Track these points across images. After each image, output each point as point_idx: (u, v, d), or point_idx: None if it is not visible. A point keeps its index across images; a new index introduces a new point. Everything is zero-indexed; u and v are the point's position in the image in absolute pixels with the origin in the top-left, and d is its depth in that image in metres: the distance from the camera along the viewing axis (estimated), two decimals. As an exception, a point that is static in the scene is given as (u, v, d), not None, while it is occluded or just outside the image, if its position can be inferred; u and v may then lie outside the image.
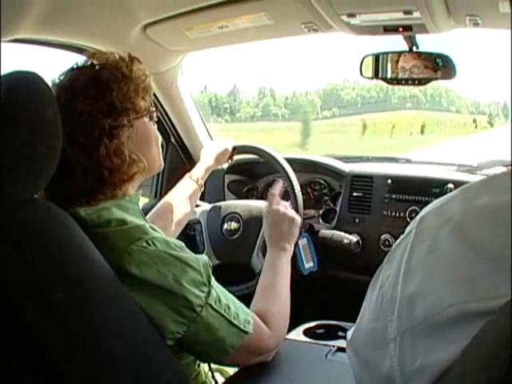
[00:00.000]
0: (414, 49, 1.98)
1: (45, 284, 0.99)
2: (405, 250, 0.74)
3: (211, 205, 2.33)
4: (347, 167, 2.48)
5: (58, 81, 1.31)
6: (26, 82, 1.05)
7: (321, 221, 2.47)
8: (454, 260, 0.67)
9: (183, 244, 1.28)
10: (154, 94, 1.89)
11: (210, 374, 1.52)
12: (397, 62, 2.01)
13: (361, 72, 2.10)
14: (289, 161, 2.21)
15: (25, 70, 1.06)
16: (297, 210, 2.10)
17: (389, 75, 2.05)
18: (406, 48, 1.99)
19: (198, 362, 1.48)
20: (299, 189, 2.16)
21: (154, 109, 1.41)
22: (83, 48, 1.93)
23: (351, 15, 1.73)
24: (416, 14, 1.66)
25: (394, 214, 2.26)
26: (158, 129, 1.45)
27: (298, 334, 1.73)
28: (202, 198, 2.36)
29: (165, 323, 1.19)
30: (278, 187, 1.88)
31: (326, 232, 2.26)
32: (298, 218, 1.79)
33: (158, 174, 2.68)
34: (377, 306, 0.79)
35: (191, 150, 2.74)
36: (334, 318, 1.85)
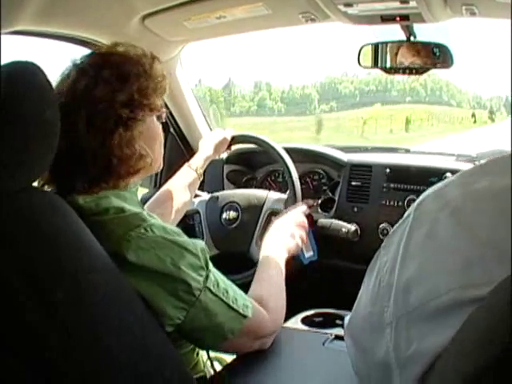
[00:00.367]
0: (412, 38, 1.98)
1: (42, 279, 0.98)
2: (403, 234, 0.75)
3: (210, 195, 2.34)
4: (346, 157, 2.49)
5: (79, 62, 1.33)
6: (24, 73, 1.04)
7: (319, 210, 2.47)
8: (451, 245, 0.67)
9: (180, 230, 1.29)
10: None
11: (208, 362, 1.53)
12: (396, 51, 2.02)
13: (359, 61, 2.10)
14: (287, 150, 2.22)
15: (24, 60, 1.06)
16: (295, 199, 2.11)
17: (388, 65, 2.06)
18: (404, 38, 1.99)
19: (196, 351, 1.49)
20: (297, 177, 2.16)
21: (164, 109, 1.44)
22: (82, 39, 1.94)
23: (348, 5, 1.73)
24: (412, 3, 1.66)
25: (392, 203, 2.27)
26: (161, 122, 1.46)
27: (296, 322, 1.74)
28: (201, 188, 2.36)
29: (164, 309, 1.19)
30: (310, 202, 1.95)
31: (324, 221, 2.26)
32: (303, 236, 1.84)
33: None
34: (374, 291, 0.80)
35: (190, 141, 2.74)
36: (331, 307, 1.85)
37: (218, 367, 1.59)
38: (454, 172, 2.16)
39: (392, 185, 2.29)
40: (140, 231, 1.20)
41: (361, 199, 2.36)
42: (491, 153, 2.45)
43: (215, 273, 1.30)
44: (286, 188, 2.35)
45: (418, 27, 1.96)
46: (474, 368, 0.55)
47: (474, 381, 0.55)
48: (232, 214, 2.23)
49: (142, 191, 2.32)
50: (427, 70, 2.00)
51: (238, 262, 2.17)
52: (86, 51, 1.40)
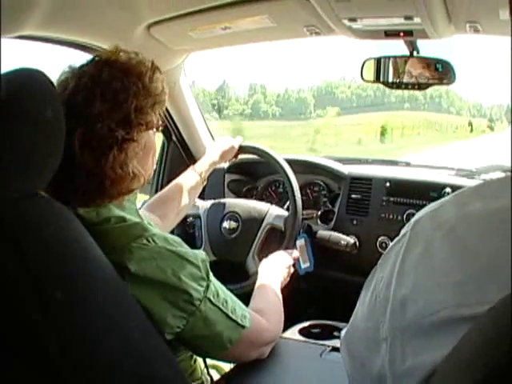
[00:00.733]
0: (415, 53, 1.99)
1: (43, 280, 0.98)
2: (399, 252, 0.76)
3: (212, 201, 2.34)
4: (346, 169, 2.49)
5: (78, 69, 1.29)
6: (29, 79, 1.04)
7: (319, 222, 2.47)
8: (446, 265, 0.68)
9: (181, 240, 1.30)
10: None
11: (205, 370, 1.54)
12: (399, 66, 2.03)
13: (362, 75, 2.11)
14: (289, 162, 2.23)
15: (29, 67, 1.06)
16: (295, 218, 2.12)
17: (390, 79, 2.06)
18: (407, 53, 2.00)
19: (193, 359, 1.50)
20: (299, 192, 2.17)
21: (161, 122, 1.41)
22: (87, 46, 1.94)
23: (353, 19, 1.74)
24: (417, 20, 1.67)
25: (391, 216, 2.27)
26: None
27: (293, 333, 1.75)
28: (201, 197, 2.37)
29: (164, 318, 1.21)
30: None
31: (323, 233, 2.27)
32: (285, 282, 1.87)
33: (159, 173, 2.69)
34: (370, 306, 0.80)
35: (192, 149, 2.74)
36: (329, 318, 1.86)
37: (215, 375, 1.60)
38: (452, 187, 2.18)
39: (392, 198, 2.30)
40: (142, 242, 1.21)
41: (360, 212, 2.36)
42: (490, 168, 2.45)
43: (215, 283, 1.31)
44: (286, 198, 2.36)
45: (421, 43, 1.97)
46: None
47: None
48: (232, 223, 2.24)
49: (141, 198, 2.32)
50: (430, 85, 2.01)
51: (234, 271, 2.18)
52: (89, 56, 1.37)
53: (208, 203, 2.34)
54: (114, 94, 1.24)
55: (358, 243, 2.27)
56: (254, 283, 1.70)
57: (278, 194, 2.67)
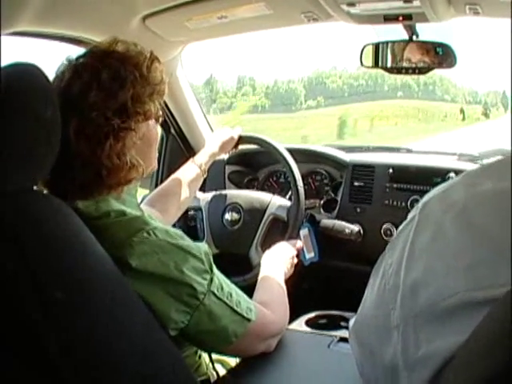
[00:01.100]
0: (414, 38, 1.97)
1: (43, 279, 0.98)
2: (407, 236, 0.74)
3: (213, 193, 2.33)
4: (348, 157, 2.48)
5: (75, 61, 1.28)
6: (25, 74, 1.04)
7: (322, 211, 2.46)
8: (457, 247, 0.66)
9: (183, 233, 1.28)
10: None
11: (211, 365, 1.53)
12: (398, 51, 2.01)
13: (361, 61, 2.10)
14: (290, 151, 2.21)
15: (24, 62, 1.06)
16: (298, 207, 2.11)
17: (389, 64, 2.05)
18: (406, 37, 1.98)
19: (198, 354, 1.49)
20: (301, 181, 2.16)
21: (160, 112, 1.40)
22: (82, 40, 1.93)
23: (351, 4, 1.72)
24: (416, 3, 1.65)
25: (395, 203, 2.26)
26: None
27: (300, 325, 1.74)
28: (202, 189, 2.35)
29: (168, 313, 1.19)
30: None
31: (327, 222, 2.26)
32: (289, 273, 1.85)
33: (159, 166, 2.67)
34: (379, 293, 0.78)
35: (191, 142, 2.73)
36: (335, 308, 1.85)
37: (221, 370, 1.59)
38: (456, 171, 2.17)
39: (395, 185, 2.28)
40: (143, 235, 1.20)
41: (363, 200, 2.35)
42: (492, 152, 2.44)
43: (219, 276, 1.30)
44: (288, 188, 2.35)
45: (420, 26, 1.95)
46: (487, 373, 0.54)
47: None
48: (234, 215, 2.22)
49: (141, 192, 2.31)
50: (430, 69, 1.99)
51: (237, 263, 2.17)
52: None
53: (209, 195, 2.33)
54: (110, 83, 1.23)
55: (362, 231, 2.26)
56: (258, 275, 1.69)
57: (279, 184, 2.66)
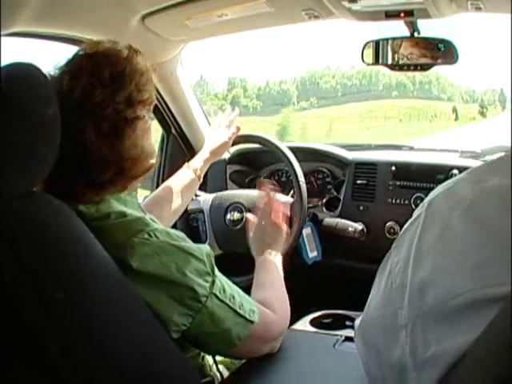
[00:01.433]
0: (416, 34, 1.96)
1: (43, 280, 0.98)
2: (414, 234, 0.73)
3: (214, 194, 2.32)
4: (350, 155, 2.48)
5: (66, 67, 1.27)
6: (24, 73, 1.04)
7: (324, 209, 2.46)
8: (465, 244, 0.65)
9: (184, 235, 1.27)
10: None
11: (214, 366, 1.52)
12: (399, 47, 2.00)
13: (362, 58, 2.09)
14: (291, 149, 2.21)
15: (23, 61, 1.05)
16: (300, 199, 2.10)
17: (390, 61, 2.04)
18: (408, 34, 1.97)
19: (202, 355, 1.48)
20: (303, 178, 2.15)
21: (154, 99, 1.39)
22: (81, 40, 1.92)
23: (352, 1, 1.71)
24: (418, -1, 1.65)
25: (398, 201, 2.25)
26: (159, 120, 1.43)
27: (304, 325, 1.73)
28: (203, 189, 2.35)
29: (169, 315, 1.18)
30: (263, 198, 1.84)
31: (330, 220, 2.25)
32: (281, 227, 1.76)
33: (159, 166, 2.67)
34: (386, 292, 0.77)
35: (192, 141, 2.72)
36: (339, 308, 1.84)
37: (225, 371, 1.58)
38: (459, 168, 2.17)
39: (398, 183, 2.28)
40: (144, 237, 1.19)
41: (366, 198, 2.34)
42: (495, 149, 2.44)
43: (221, 278, 1.28)
44: (290, 187, 2.34)
45: (421, 23, 1.94)
46: (499, 371, 0.54)
47: None
48: (236, 215, 2.22)
49: (143, 193, 2.30)
50: (432, 66, 1.98)
51: (242, 263, 2.15)
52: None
53: (210, 197, 2.32)
54: (112, 78, 1.23)
55: (365, 230, 2.25)
56: None
57: (281, 183, 2.65)
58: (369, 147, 2.74)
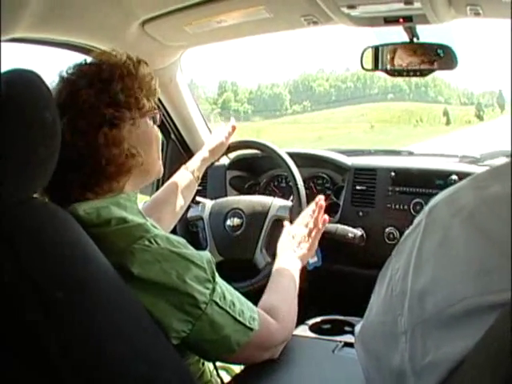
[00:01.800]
0: (415, 40, 1.96)
1: (44, 284, 0.98)
2: (415, 241, 0.73)
3: (213, 201, 2.32)
4: (350, 160, 2.48)
5: (65, 74, 1.31)
6: (24, 80, 1.04)
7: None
8: (467, 252, 0.65)
9: (185, 241, 1.27)
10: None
11: (215, 372, 1.52)
12: (399, 53, 2.00)
13: (362, 65, 2.09)
14: (290, 155, 2.21)
15: (23, 68, 1.06)
16: (300, 205, 2.10)
17: (389, 67, 2.04)
18: (407, 39, 1.97)
19: (202, 361, 1.48)
20: (302, 183, 2.15)
21: (157, 111, 1.41)
22: (81, 46, 1.92)
23: (351, 7, 1.72)
24: (417, 5, 1.65)
25: (398, 206, 2.26)
26: (158, 126, 1.43)
27: (304, 330, 1.73)
28: (203, 195, 2.35)
29: (169, 322, 1.18)
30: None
31: (329, 226, 2.25)
32: (315, 243, 1.85)
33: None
34: (386, 299, 0.77)
35: (192, 147, 2.72)
36: (339, 313, 1.84)
37: (225, 376, 1.58)
38: (458, 174, 2.17)
39: (397, 188, 2.28)
40: (144, 243, 1.18)
41: (366, 203, 2.34)
42: (494, 153, 2.44)
43: (222, 285, 1.28)
44: (289, 193, 2.34)
45: (420, 28, 1.95)
46: (499, 378, 0.53)
47: None
48: (236, 220, 2.22)
49: (143, 199, 2.30)
50: (431, 71, 1.99)
51: (243, 269, 2.16)
52: (84, 57, 1.38)
53: (209, 203, 2.32)
54: (100, 80, 1.27)
55: (365, 235, 2.25)
56: (265, 278, 1.68)
57: (280, 188, 2.66)
58: (368, 152, 2.74)
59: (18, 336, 0.96)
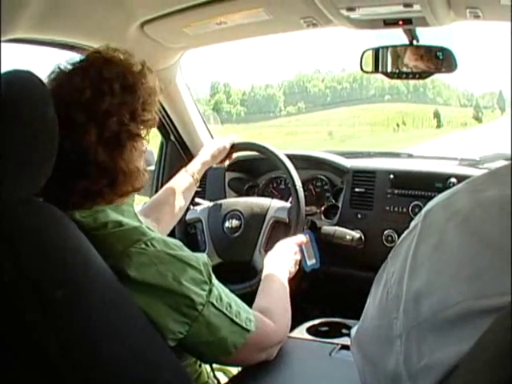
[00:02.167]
0: (415, 42, 1.96)
1: (43, 284, 0.98)
2: (410, 245, 0.73)
3: (212, 203, 2.32)
4: (349, 163, 2.47)
5: (70, 67, 1.28)
6: (22, 81, 1.04)
7: (323, 217, 2.46)
8: (461, 255, 0.65)
9: (181, 243, 1.28)
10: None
11: (211, 373, 1.52)
12: (398, 56, 2.00)
13: (361, 67, 2.09)
14: (289, 157, 2.20)
15: (22, 69, 1.06)
16: (298, 207, 2.10)
17: (389, 69, 2.04)
18: (406, 41, 1.97)
19: (199, 362, 1.48)
20: (300, 182, 2.15)
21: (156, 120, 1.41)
22: (80, 47, 1.92)
23: (351, 9, 1.72)
24: (416, 7, 1.65)
25: (396, 209, 2.25)
26: (158, 127, 1.43)
27: (301, 332, 1.72)
28: (202, 197, 2.34)
29: (166, 324, 1.18)
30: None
31: (328, 228, 2.25)
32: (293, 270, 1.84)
33: (158, 173, 2.68)
34: (381, 302, 0.77)
35: (191, 148, 2.72)
36: (337, 316, 1.84)
37: (222, 378, 1.58)
38: (457, 176, 2.16)
39: (396, 191, 2.28)
40: (140, 246, 1.19)
41: (364, 206, 2.34)
42: (494, 156, 2.44)
43: (218, 286, 1.29)
44: (288, 195, 2.33)
45: (420, 30, 1.95)
46: (493, 382, 0.53)
47: None
48: (235, 222, 2.21)
49: (141, 200, 2.30)
50: (430, 74, 1.99)
51: (241, 271, 2.16)
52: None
53: (207, 206, 2.32)
54: (122, 89, 1.25)
55: (363, 237, 2.25)
56: None
57: (279, 190, 2.66)
58: (367, 155, 2.74)
59: (17, 336, 0.97)
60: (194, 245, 2.23)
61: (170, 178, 2.05)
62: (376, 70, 2.07)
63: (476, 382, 0.57)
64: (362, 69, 2.10)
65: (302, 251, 2.06)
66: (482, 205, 0.67)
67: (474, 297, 0.61)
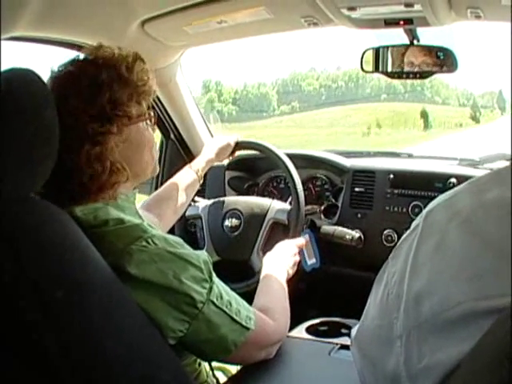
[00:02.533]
0: (415, 42, 1.96)
1: (43, 284, 0.98)
2: (411, 245, 0.73)
3: (212, 200, 2.32)
4: (349, 162, 2.47)
5: (56, 70, 1.29)
6: (23, 78, 1.04)
7: (322, 217, 2.45)
8: (462, 256, 0.65)
9: (182, 241, 1.27)
10: (153, 91, 1.90)
11: (211, 372, 1.52)
12: (399, 55, 2.00)
13: (362, 66, 2.09)
14: (289, 156, 2.20)
15: (21, 67, 1.06)
16: (298, 206, 2.09)
17: (389, 69, 2.04)
18: (407, 41, 1.97)
19: (198, 361, 1.48)
20: (301, 185, 2.14)
21: (151, 113, 1.39)
22: (81, 45, 1.92)
23: (352, 8, 1.72)
24: (417, 7, 1.65)
25: (396, 209, 2.25)
26: (158, 126, 1.42)
27: (300, 332, 1.72)
28: (202, 195, 2.34)
29: (166, 321, 1.18)
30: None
31: (327, 228, 2.25)
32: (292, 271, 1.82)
33: (158, 172, 2.67)
34: (382, 302, 0.77)
35: (191, 147, 2.72)
36: (336, 315, 1.84)
37: (222, 377, 1.58)
38: (457, 177, 2.16)
39: (396, 190, 2.27)
40: (141, 244, 1.18)
41: (364, 205, 2.34)
42: (494, 156, 2.43)
43: (219, 284, 1.28)
44: (288, 194, 2.33)
45: (421, 30, 1.95)
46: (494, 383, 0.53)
47: None
48: (234, 221, 2.21)
49: (141, 198, 2.30)
50: (431, 74, 1.99)
51: (239, 269, 2.16)
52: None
53: (207, 203, 2.31)
54: (88, 89, 1.23)
55: (363, 237, 2.25)
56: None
57: (279, 189, 2.65)
58: (367, 154, 2.73)
59: (17, 336, 0.96)
60: (193, 242, 2.23)
61: (169, 176, 2.04)
62: (376, 69, 2.07)
63: (476, 382, 0.57)
64: (362, 68, 2.10)
65: (301, 251, 2.06)
66: (483, 205, 0.67)
67: (475, 298, 0.61)
